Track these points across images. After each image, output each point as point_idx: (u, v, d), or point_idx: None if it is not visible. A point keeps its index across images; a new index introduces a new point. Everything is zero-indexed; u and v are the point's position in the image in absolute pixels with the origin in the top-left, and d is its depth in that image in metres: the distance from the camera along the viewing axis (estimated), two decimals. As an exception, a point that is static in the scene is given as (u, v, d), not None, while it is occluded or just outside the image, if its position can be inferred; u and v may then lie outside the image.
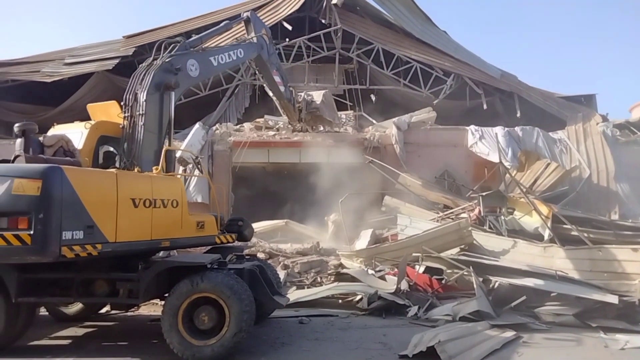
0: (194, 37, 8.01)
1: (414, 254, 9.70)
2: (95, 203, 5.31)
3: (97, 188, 5.46)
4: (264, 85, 10.80)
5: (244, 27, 10.26)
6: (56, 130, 7.00)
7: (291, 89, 10.87)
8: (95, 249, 5.24)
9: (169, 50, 7.26)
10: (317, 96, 11.30)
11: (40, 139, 6.17)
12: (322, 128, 14.30)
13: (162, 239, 6.17)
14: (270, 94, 10.46)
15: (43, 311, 7.69)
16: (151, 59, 7.19)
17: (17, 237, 4.86)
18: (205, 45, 8.55)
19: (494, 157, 14.36)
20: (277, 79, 10.13)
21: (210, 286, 5.63)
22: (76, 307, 7.70)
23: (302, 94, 11.42)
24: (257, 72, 10.39)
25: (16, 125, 6.11)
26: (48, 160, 5.69)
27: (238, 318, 5.56)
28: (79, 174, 5.33)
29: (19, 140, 5.99)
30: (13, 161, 5.55)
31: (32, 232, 4.83)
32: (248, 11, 9.72)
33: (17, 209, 4.92)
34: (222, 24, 8.88)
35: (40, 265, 5.47)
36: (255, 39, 9.31)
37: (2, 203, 4.93)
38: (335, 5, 20.01)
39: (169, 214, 6.32)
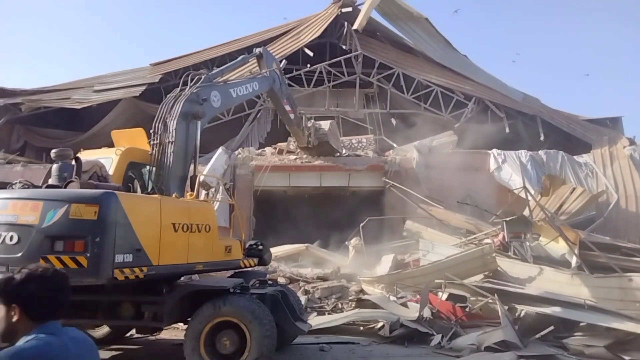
0: (216, 70, 8.46)
1: (436, 281, 9.55)
2: (143, 227, 5.53)
3: (144, 213, 5.70)
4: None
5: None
6: (84, 155, 7.21)
7: (300, 114, 11.49)
8: (142, 272, 5.45)
9: (194, 81, 7.57)
10: (325, 125, 12.01)
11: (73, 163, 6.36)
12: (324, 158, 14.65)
13: (196, 262, 6.36)
14: (283, 121, 11.19)
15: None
16: (178, 89, 7.50)
17: (74, 260, 5.05)
18: (224, 77, 9.05)
19: (517, 182, 14.16)
20: (287, 107, 10.87)
21: (232, 310, 5.67)
22: (103, 330, 7.81)
23: (311, 121, 12.04)
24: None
25: (53, 151, 6.36)
26: (98, 186, 5.93)
27: (259, 343, 5.54)
28: (130, 199, 5.60)
29: (55, 166, 6.19)
30: (65, 186, 5.77)
31: (88, 255, 5.03)
32: (260, 47, 10.49)
33: (74, 232, 5.13)
34: (239, 58, 9.52)
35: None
36: (267, 73, 9.92)
37: (60, 227, 5.13)
38: (355, 31, 20.35)
39: (203, 238, 6.53)
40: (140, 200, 6.04)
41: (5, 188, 6.12)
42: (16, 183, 6.20)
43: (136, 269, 5.37)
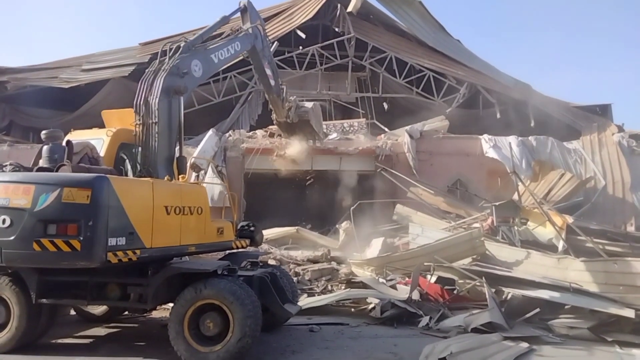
0: (195, 35, 7.79)
1: (425, 264, 9.65)
2: (135, 210, 5.56)
3: (137, 196, 5.71)
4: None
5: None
6: (74, 136, 7.10)
7: (283, 86, 10.54)
8: (135, 255, 5.49)
9: (173, 51, 7.12)
10: (308, 104, 11.13)
11: (64, 144, 6.27)
12: (304, 141, 13.68)
13: (189, 244, 6.40)
14: (261, 86, 10.16)
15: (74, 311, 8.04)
16: (157, 62, 7.08)
17: (67, 243, 5.11)
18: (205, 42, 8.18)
19: (508, 166, 14.26)
20: (268, 72, 9.79)
21: (213, 292, 5.67)
22: (101, 308, 7.85)
23: (294, 97, 11.14)
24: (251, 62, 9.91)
25: (43, 132, 6.28)
26: (90, 169, 5.94)
27: (242, 323, 5.56)
28: (122, 183, 5.61)
29: (45, 147, 6.11)
30: (57, 170, 5.74)
31: (81, 239, 5.08)
32: (245, 0, 9.41)
33: (66, 216, 5.18)
34: (219, 18, 8.67)
35: (59, 269, 5.60)
36: (250, 30, 9.10)
37: (52, 211, 5.17)
38: (349, 13, 20.13)
39: (195, 221, 6.56)
40: (132, 183, 6.03)
41: None
42: (6, 165, 6.12)
43: (129, 252, 5.42)
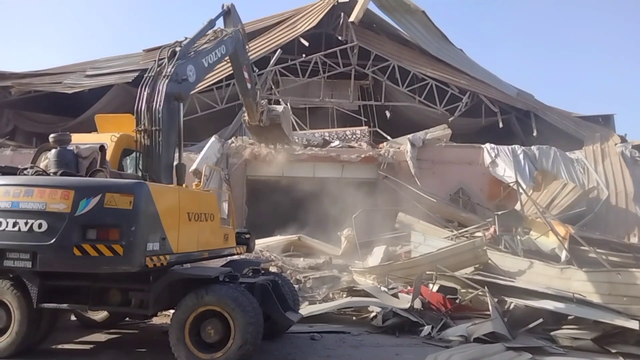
0: (187, 41, 7.68)
1: (427, 272, 9.60)
2: (166, 216, 5.68)
3: (167, 202, 5.82)
4: (236, 85, 10.35)
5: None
6: (74, 140, 7.05)
7: (257, 90, 10.67)
8: (165, 259, 5.58)
9: (170, 57, 7.07)
10: (279, 108, 11.20)
11: (73, 149, 6.24)
12: (273, 146, 13.64)
13: (203, 250, 6.50)
14: (238, 89, 10.17)
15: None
16: (156, 67, 7.04)
17: (109, 248, 5.15)
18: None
19: (510, 176, 14.23)
20: (245, 75, 9.73)
21: (214, 299, 5.65)
22: (102, 314, 7.82)
23: (264, 101, 11.26)
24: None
25: (52, 135, 6.23)
26: (122, 175, 6.10)
27: (243, 330, 5.52)
28: (157, 189, 5.72)
29: (54, 151, 6.08)
30: (91, 175, 5.83)
31: (123, 243, 5.15)
32: (229, 2, 9.35)
33: (108, 221, 5.24)
34: (206, 22, 8.56)
35: (60, 273, 5.59)
36: (233, 33, 9.02)
37: (94, 215, 5.22)
38: (352, 22, 20.22)
39: (209, 227, 6.68)
40: (164, 189, 6.13)
41: (14, 174, 6.03)
42: (27, 169, 6.11)
43: (162, 257, 5.51)
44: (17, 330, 5.89)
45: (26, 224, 5.31)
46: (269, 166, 14.00)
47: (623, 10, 56.86)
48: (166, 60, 7.05)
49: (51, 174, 5.90)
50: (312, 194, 14.76)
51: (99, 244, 5.15)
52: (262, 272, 7.53)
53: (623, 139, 17.64)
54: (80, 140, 7.01)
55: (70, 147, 6.25)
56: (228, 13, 9.38)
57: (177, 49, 7.19)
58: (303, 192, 16.04)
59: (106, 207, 5.21)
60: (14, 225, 5.36)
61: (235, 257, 7.88)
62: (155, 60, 7.23)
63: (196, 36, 8.01)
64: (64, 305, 6.11)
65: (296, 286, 10.16)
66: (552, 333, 7.61)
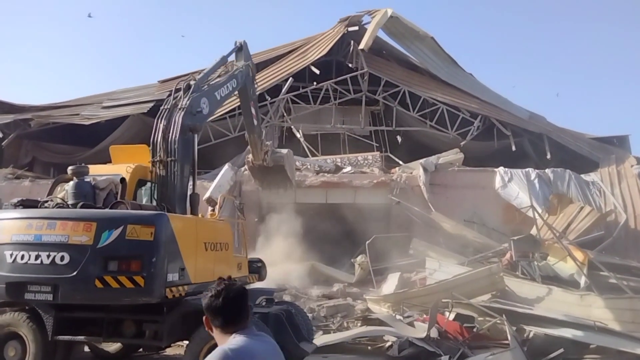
0: (201, 75, 7.97)
1: (443, 300, 9.44)
2: (185, 247, 5.71)
3: (186, 233, 5.87)
4: (244, 121, 10.49)
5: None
6: (91, 172, 7.18)
7: (263, 130, 10.84)
8: (184, 290, 5.60)
9: (184, 89, 7.26)
10: (283, 151, 11.28)
11: (90, 180, 6.36)
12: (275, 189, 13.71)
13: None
14: (245, 126, 10.30)
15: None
16: (172, 99, 7.22)
17: (130, 279, 5.18)
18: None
19: (524, 200, 14.07)
20: (252, 111, 9.94)
21: None
22: (116, 345, 7.79)
23: (270, 142, 11.49)
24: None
25: (70, 167, 6.38)
26: (143, 207, 6.10)
27: None
28: (176, 220, 5.77)
29: (72, 183, 6.21)
30: (112, 207, 5.86)
31: (145, 275, 5.18)
32: (241, 40, 9.69)
33: (130, 252, 5.29)
34: (220, 59, 8.87)
35: (76, 304, 5.61)
36: (243, 68, 9.33)
37: (116, 247, 5.26)
38: (362, 50, 20.53)
39: (223, 256, 6.74)
40: (183, 220, 6.18)
41: (35, 206, 6.13)
42: (47, 201, 6.21)
43: (180, 287, 5.53)
44: None
45: (48, 256, 5.35)
46: (283, 193, 14.02)
47: (630, 28, 56.87)
48: (182, 92, 7.26)
49: (70, 206, 5.99)
50: (325, 220, 14.75)
51: (120, 276, 5.18)
52: (276, 301, 7.47)
53: (639, 160, 17.39)
54: (96, 171, 7.16)
55: (87, 179, 6.39)
56: (240, 49, 9.68)
57: (192, 82, 7.40)
58: (316, 218, 16.04)
59: (128, 239, 5.25)
60: (37, 258, 5.41)
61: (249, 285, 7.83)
62: (170, 92, 7.44)
63: (210, 70, 8.27)
64: (79, 337, 6.13)
65: (310, 315, 10.05)
66: (573, 363, 7.39)
